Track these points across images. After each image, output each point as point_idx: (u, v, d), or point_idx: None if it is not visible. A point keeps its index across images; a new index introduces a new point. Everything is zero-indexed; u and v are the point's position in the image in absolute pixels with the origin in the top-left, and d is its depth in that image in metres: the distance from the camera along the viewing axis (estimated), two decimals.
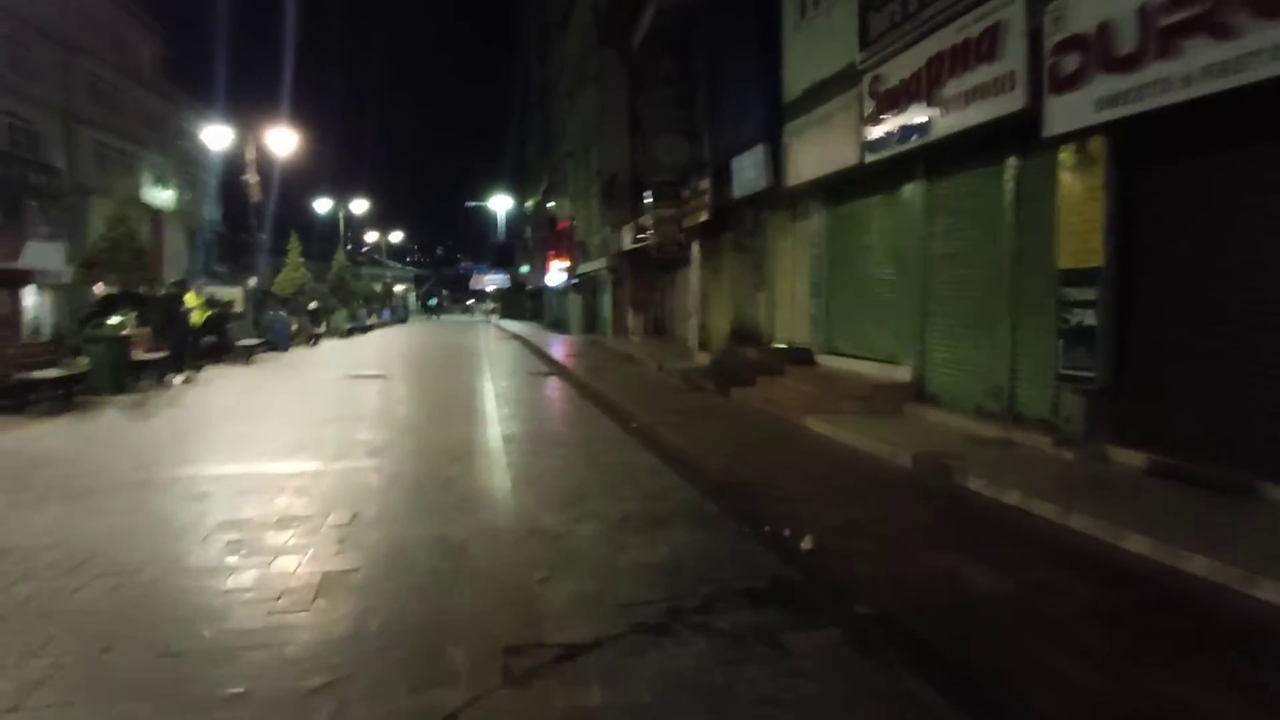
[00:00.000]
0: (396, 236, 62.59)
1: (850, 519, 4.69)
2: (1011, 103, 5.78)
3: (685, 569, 3.98)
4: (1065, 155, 5.60)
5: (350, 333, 31.78)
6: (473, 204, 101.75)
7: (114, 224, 18.17)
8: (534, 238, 52.92)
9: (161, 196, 37.24)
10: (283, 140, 22.74)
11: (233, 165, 42.50)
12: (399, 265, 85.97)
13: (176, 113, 40.73)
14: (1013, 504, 4.86)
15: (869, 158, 7.94)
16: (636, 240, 19.09)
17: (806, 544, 4.27)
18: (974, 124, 6.32)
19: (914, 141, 7.17)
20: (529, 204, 57.74)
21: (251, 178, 22.38)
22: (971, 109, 6.29)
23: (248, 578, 3.77)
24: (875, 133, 7.77)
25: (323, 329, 25.94)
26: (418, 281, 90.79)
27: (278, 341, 20.45)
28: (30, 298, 27.50)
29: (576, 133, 30.93)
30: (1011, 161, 6.57)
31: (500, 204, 77.56)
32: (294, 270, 30.25)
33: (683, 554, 4.21)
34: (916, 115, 7.02)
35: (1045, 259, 6.19)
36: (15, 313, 26.93)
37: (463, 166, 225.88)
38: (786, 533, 4.52)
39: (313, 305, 28.49)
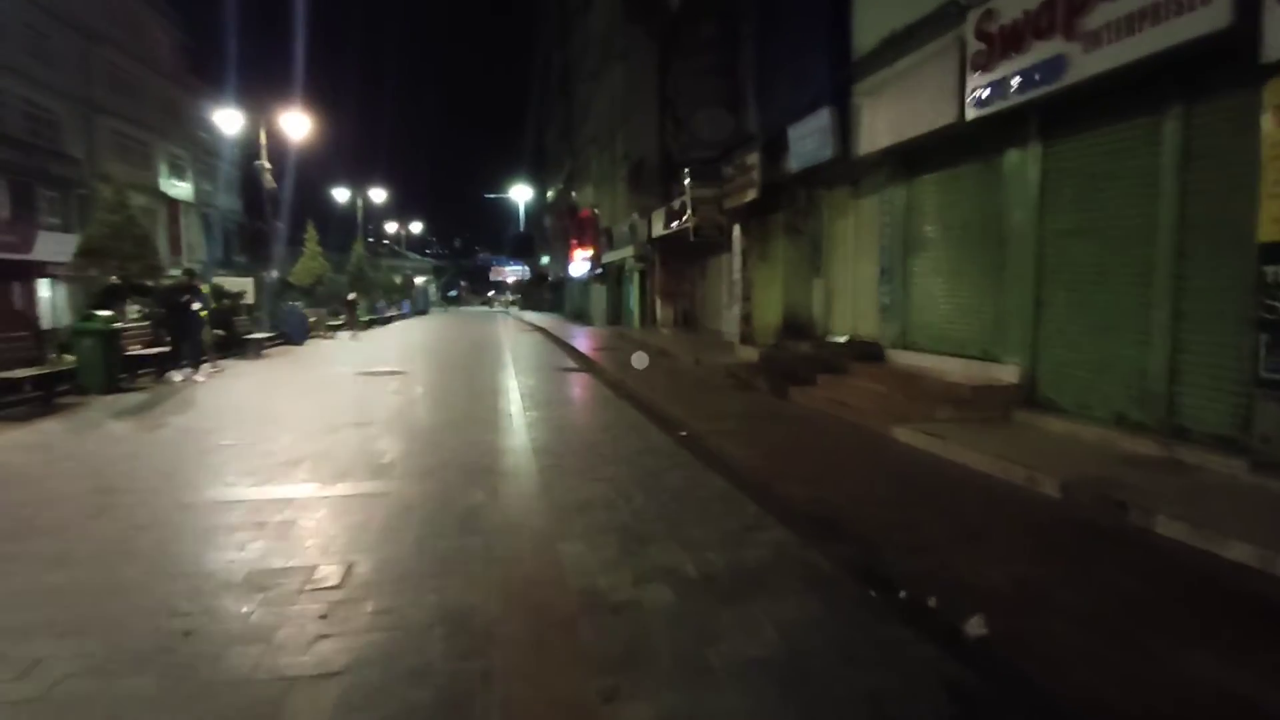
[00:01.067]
0: (416, 227, 61.77)
1: (1018, 580, 3.42)
2: (1202, 23, 4.41)
3: (813, 673, 2.74)
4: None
5: (369, 324, 30.89)
6: (492, 195, 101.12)
7: (113, 208, 17.19)
8: (555, 227, 51.78)
9: (179, 187, 36.61)
10: (296, 124, 21.70)
11: (251, 154, 41.88)
12: (418, 256, 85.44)
13: (195, 102, 39.98)
14: (1243, 561, 3.55)
15: (973, 114, 6.59)
16: (669, 226, 17.79)
17: (976, 628, 3.00)
18: (1133, 59, 4.95)
19: (1037, 90, 5.81)
20: (550, 194, 56.65)
21: (265, 164, 21.40)
22: (1132, 41, 4.92)
23: (171, 694, 2.58)
24: (982, 83, 6.41)
25: (341, 320, 24.96)
26: (437, 273, 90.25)
27: (292, 334, 19.49)
28: (45, 290, 27.06)
29: (601, 116, 29.64)
30: (1175, 110, 5.20)
31: (520, 194, 76.78)
32: (311, 260, 29.36)
33: (800, 642, 2.97)
34: (1045, 55, 5.65)
35: (1227, 231, 4.84)
36: (30, 305, 26.43)
37: (482, 158, 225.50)
38: (933, 603, 3.27)
39: (351, 296, 27.61)
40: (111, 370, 10.42)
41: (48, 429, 7.74)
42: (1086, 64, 5.33)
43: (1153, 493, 4.33)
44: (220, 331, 15.32)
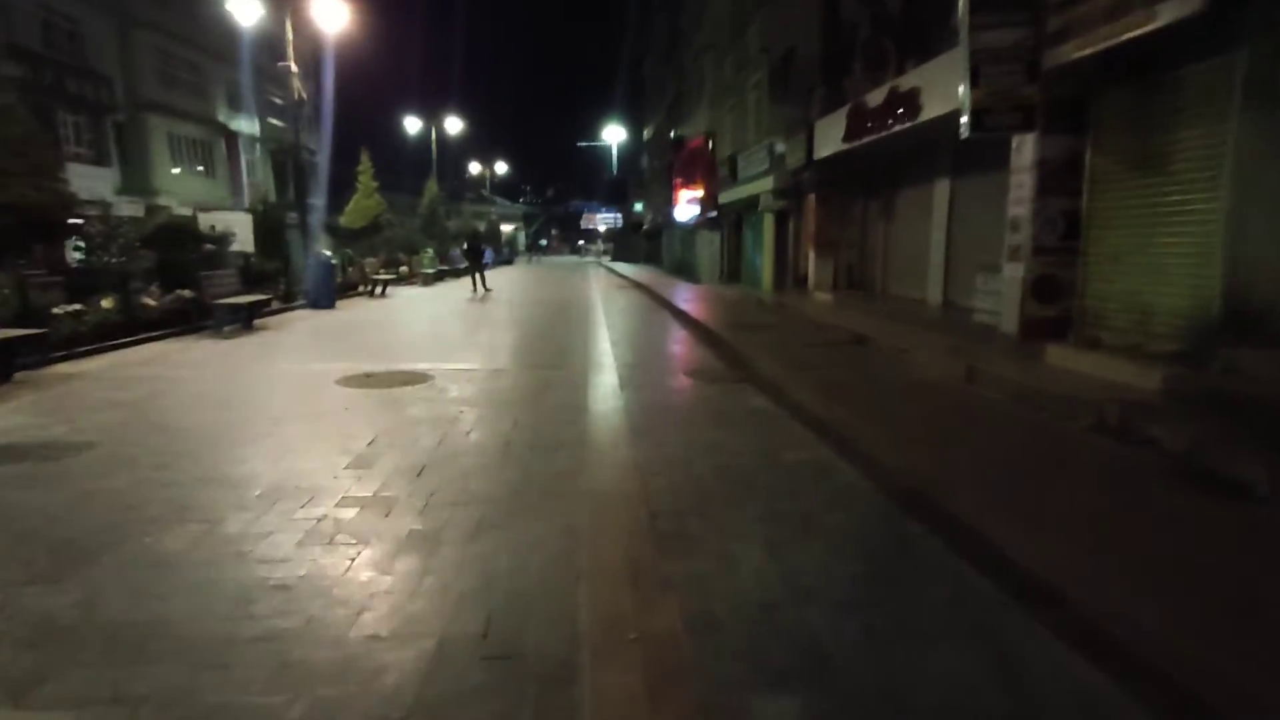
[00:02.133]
0: (501, 168, 56.85)
1: None
2: None
3: None
4: None
5: (439, 277, 26.08)
6: (585, 144, 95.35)
7: None
8: (652, 168, 45.53)
9: (240, 119, 32.69)
10: (331, 12, 16.39)
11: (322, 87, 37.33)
12: (507, 202, 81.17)
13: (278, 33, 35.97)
14: None
15: None
16: (855, 137, 11.45)
17: None
18: None
19: None
20: (646, 132, 50.23)
21: (292, 65, 16.33)
22: None
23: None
24: None
25: (385, 274, 19.91)
26: (527, 220, 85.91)
27: (313, 294, 14.57)
28: None
29: (720, 14, 22.98)
30: None
31: (613, 136, 70.60)
32: (366, 198, 24.46)
33: None
34: None
35: None
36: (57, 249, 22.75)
37: (578, 106, 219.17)
38: None
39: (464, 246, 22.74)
40: None
41: None
42: None
43: None
44: (183, 292, 10.42)
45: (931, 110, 9.24)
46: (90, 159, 23.50)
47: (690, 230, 31.52)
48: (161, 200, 24.97)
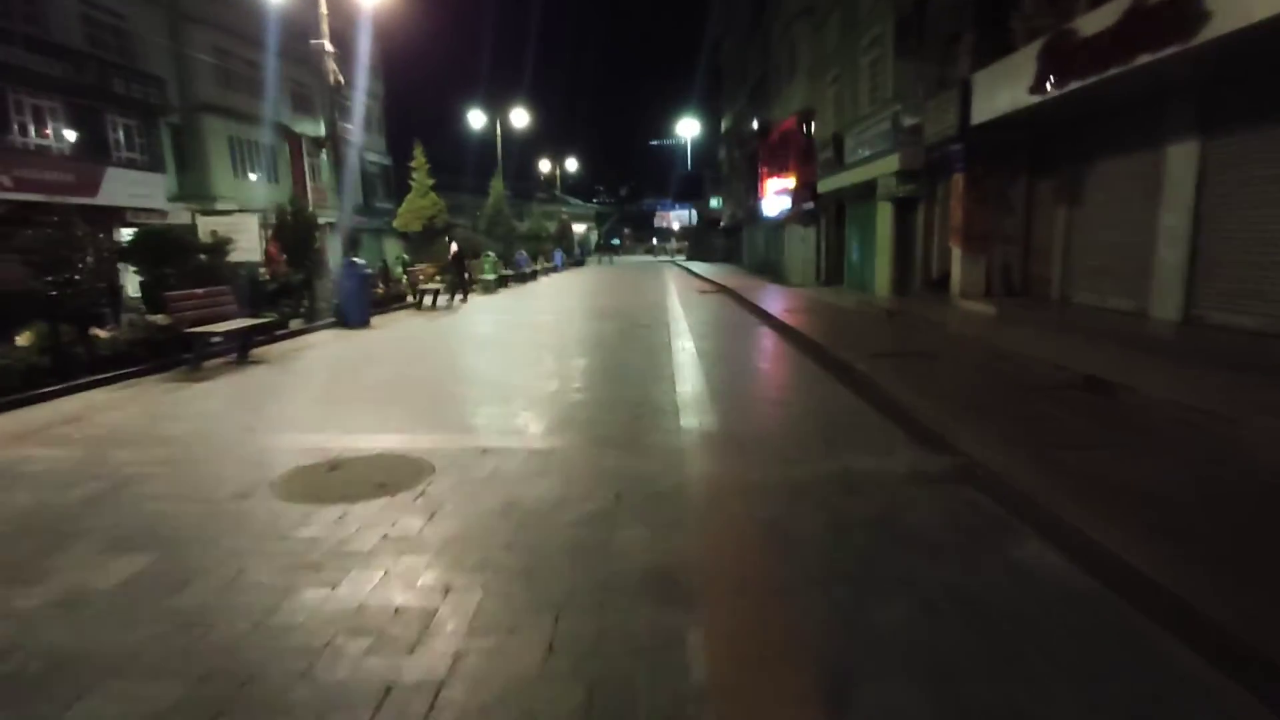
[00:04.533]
0: (572, 165, 54.62)
1: None
2: None
3: None
4: None
5: (504, 283, 23.74)
6: (658, 142, 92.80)
7: None
8: (732, 159, 42.21)
9: (304, 121, 31.41)
10: None
11: (390, 89, 35.93)
12: (580, 202, 79.28)
13: (344, 32, 34.86)
14: None
15: None
16: (1053, 80, 8.03)
17: None
18: None
19: None
20: (725, 123, 46.89)
21: (326, 44, 14.14)
22: None
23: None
24: None
25: (435, 283, 17.45)
26: (599, 219, 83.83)
27: (347, 308, 12.21)
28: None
29: None
30: None
31: (687, 130, 67.47)
32: (421, 197, 22.21)
33: None
34: None
35: None
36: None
37: (653, 103, 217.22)
38: None
39: (454, 249, 20.52)
40: None
41: None
42: None
43: None
44: (156, 319, 8.10)
45: (1227, 20, 5.78)
46: (143, 164, 22.29)
47: (777, 226, 28.13)
48: (219, 207, 23.66)
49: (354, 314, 12.23)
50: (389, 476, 4.40)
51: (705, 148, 64.53)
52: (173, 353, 8.25)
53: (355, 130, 35.01)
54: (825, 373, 7.89)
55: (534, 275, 28.74)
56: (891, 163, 13.84)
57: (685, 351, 9.28)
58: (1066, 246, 10.43)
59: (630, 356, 9.01)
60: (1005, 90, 9.34)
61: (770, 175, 27.25)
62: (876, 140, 14.81)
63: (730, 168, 43.48)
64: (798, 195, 22.72)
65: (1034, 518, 3.60)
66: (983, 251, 11.86)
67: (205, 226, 10.96)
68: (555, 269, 36.36)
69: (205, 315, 8.60)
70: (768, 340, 10.69)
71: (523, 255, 27.46)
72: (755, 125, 31.36)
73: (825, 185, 19.18)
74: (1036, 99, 8.46)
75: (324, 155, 33.41)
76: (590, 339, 10.82)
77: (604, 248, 56.75)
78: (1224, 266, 7.54)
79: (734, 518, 3.76)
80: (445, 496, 4.06)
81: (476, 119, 29.74)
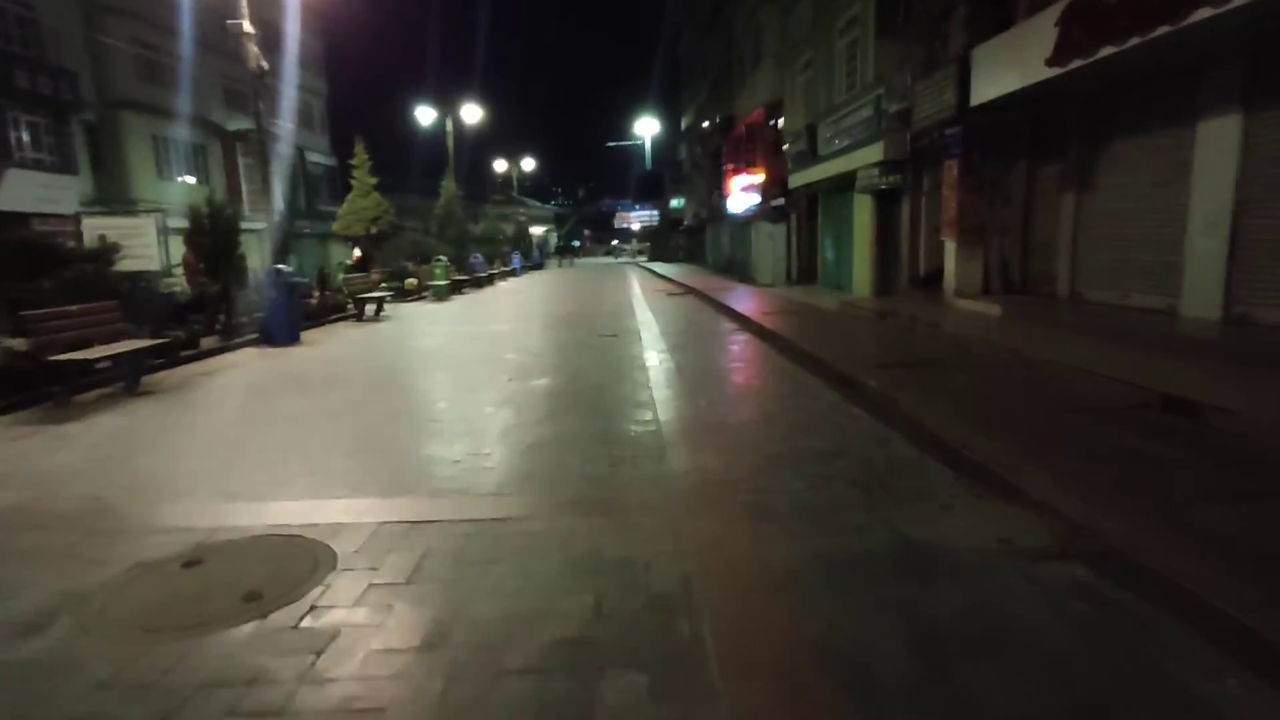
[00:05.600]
0: (529, 166, 52.94)
1: None
2: None
3: None
4: None
5: (458, 289, 22.17)
6: (615, 144, 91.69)
7: None
8: (693, 157, 41.20)
9: (238, 119, 29.28)
10: None
11: (338, 88, 33.90)
12: (538, 203, 77.55)
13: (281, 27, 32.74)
14: None
15: None
16: (1080, 48, 7.02)
17: None
18: None
19: None
20: (685, 120, 45.91)
21: (245, 24, 12.55)
22: None
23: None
24: None
25: (378, 292, 15.91)
26: (559, 221, 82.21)
27: (273, 325, 10.68)
28: None
29: None
30: None
31: (646, 129, 66.41)
32: (363, 197, 20.47)
33: None
34: None
35: None
36: None
37: (608, 101, 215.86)
38: None
39: (357, 253, 18.84)
40: None
41: None
42: None
43: None
44: (13, 343, 6.57)
45: None
46: (52, 165, 20.17)
47: (744, 223, 27.16)
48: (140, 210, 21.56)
49: (280, 329, 10.70)
50: (267, 578, 3.06)
51: (665, 146, 63.52)
52: (40, 385, 6.71)
53: (288, 125, 32.91)
54: (829, 389, 6.74)
55: (490, 280, 27.19)
56: (874, 152, 12.84)
57: (662, 367, 8.05)
58: (1075, 238, 9.50)
59: (600, 375, 7.74)
60: (1013, 65, 8.34)
61: (736, 171, 26.25)
62: (856, 129, 13.81)
63: (692, 165, 42.46)
64: (767, 191, 21.71)
65: (1199, 618, 2.46)
66: (979, 245, 10.91)
67: (92, 230, 9.33)
68: (513, 272, 34.82)
69: (82, 337, 7.06)
70: (751, 349, 9.53)
71: (478, 258, 25.92)
72: (718, 119, 30.39)
73: (797, 180, 18.19)
74: (1055, 72, 7.45)
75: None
76: (552, 353, 9.52)
77: (564, 249, 55.09)
78: (1274, 256, 6.62)
79: (773, 636, 2.53)
80: (342, 617, 2.74)
81: (426, 115, 28.05)
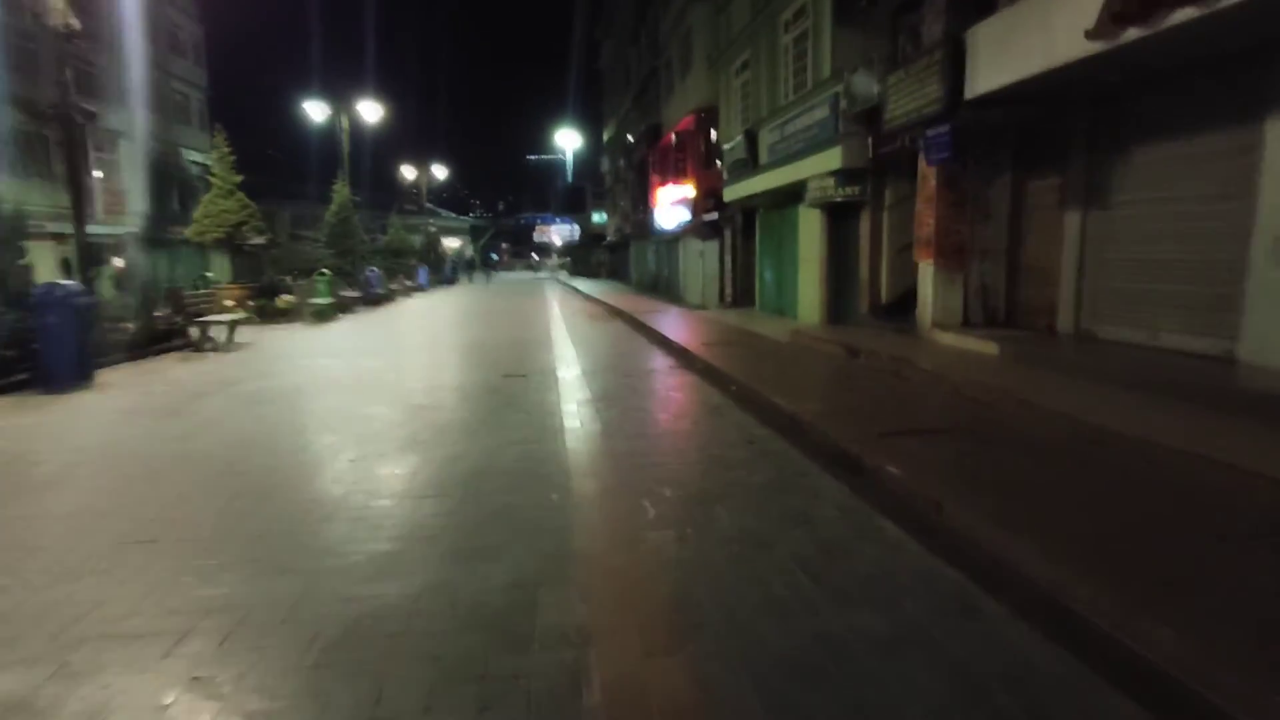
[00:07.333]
0: (441, 174, 49.64)
1: None
2: None
3: None
4: None
5: (346, 308, 19.13)
6: (535, 158, 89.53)
7: None
8: (616, 170, 39.32)
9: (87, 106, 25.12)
10: None
11: (225, 86, 30.14)
12: (453, 215, 73.88)
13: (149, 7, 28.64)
14: None
15: None
16: (1136, 13, 5.29)
17: None
18: None
19: None
20: (606, 133, 44.09)
21: None
22: None
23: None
24: None
25: (230, 315, 12.84)
26: (475, 233, 78.65)
27: (50, 359, 7.75)
28: None
29: None
30: None
31: (567, 140, 64.25)
32: (223, 197, 17.10)
33: None
34: None
35: None
36: None
37: (527, 111, 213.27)
38: None
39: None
40: None
41: None
42: None
43: None
44: None
45: None
46: None
47: (671, 240, 25.34)
48: None
49: (62, 368, 7.78)
50: None
51: (587, 159, 61.57)
52: None
53: (141, 113, 28.76)
54: (825, 474, 4.66)
55: (390, 297, 24.16)
56: (829, 159, 11.09)
57: (583, 431, 5.79)
58: (1082, 263, 7.90)
59: (493, 445, 5.40)
60: (1031, 44, 6.60)
61: (663, 184, 24.37)
62: (807, 133, 12.06)
63: (615, 179, 40.59)
64: (698, 205, 19.88)
65: None
66: (959, 269, 9.24)
67: None
68: (420, 288, 31.72)
69: None
70: (699, 398, 7.39)
71: (374, 273, 22.88)
72: (644, 129, 28.56)
73: (734, 192, 16.38)
74: (1100, 46, 5.72)
75: (120, 149, 27.34)
76: (434, 406, 7.07)
77: (472, 263, 51.54)
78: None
79: None
80: None
81: (319, 112, 24.89)
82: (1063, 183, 8.12)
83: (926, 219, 9.24)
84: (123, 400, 7.35)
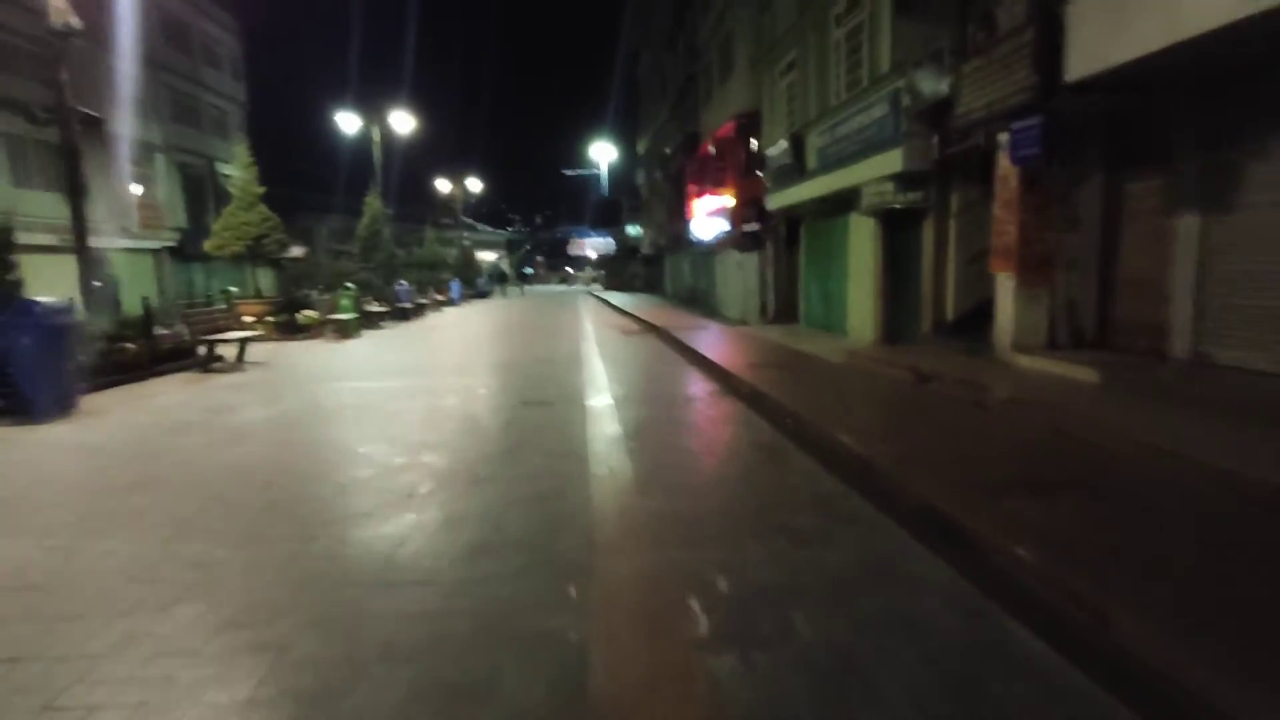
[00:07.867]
0: (476, 187, 49.46)
1: None
2: None
3: None
4: None
5: (373, 322, 18.55)
6: (571, 171, 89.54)
7: None
8: (652, 181, 38.51)
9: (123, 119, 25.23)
10: None
11: (266, 103, 30.33)
12: (489, 229, 74.07)
13: (188, 22, 29.08)
14: None
15: None
16: None
17: None
18: None
19: None
20: (641, 145, 43.37)
21: None
22: None
23: None
24: None
25: (245, 331, 12.17)
26: (511, 246, 78.69)
27: (27, 387, 7.06)
28: None
29: None
30: None
31: (603, 154, 63.83)
32: (245, 209, 16.58)
33: None
34: None
35: None
36: None
37: (568, 125, 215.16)
38: None
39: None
40: None
41: None
42: None
43: None
44: None
45: None
46: None
47: (708, 252, 24.32)
48: None
49: (39, 393, 7.09)
50: None
51: (623, 172, 60.96)
52: None
53: (176, 128, 28.93)
54: (919, 545, 3.58)
55: (419, 311, 23.60)
56: (889, 161, 9.97)
57: (614, 482, 4.81)
58: (1200, 278, 6.66)
59: (508, 505, 4.44)
60: (1160, 9, 5.44)
61: (701, 193, 23.42)
62: (862, 134, 10.98)
63: (651, 191, 39.79)
64: (739, 215, 18.85)
65: None
66: (1044, 283, 8.04)
67: None
68: (451, 302, 31.24)
69: None
70: (749, 436, 6.33)
71: (404, 286, 22.32)
72: (681, 139, 27.68)
73: (778, 200, 15.31)
74: (1257, 7, 4.57)
75: (159, 163, 27.43)
76: (439, 444, 6.14)
77: (504, 276, 50.98)
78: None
79: None
80: None
81: (351, 124, 24.58)
82: (1169, 184, 6.90)
83: (1007, 225, 8.07)
84: (93, 434, 6.58)
